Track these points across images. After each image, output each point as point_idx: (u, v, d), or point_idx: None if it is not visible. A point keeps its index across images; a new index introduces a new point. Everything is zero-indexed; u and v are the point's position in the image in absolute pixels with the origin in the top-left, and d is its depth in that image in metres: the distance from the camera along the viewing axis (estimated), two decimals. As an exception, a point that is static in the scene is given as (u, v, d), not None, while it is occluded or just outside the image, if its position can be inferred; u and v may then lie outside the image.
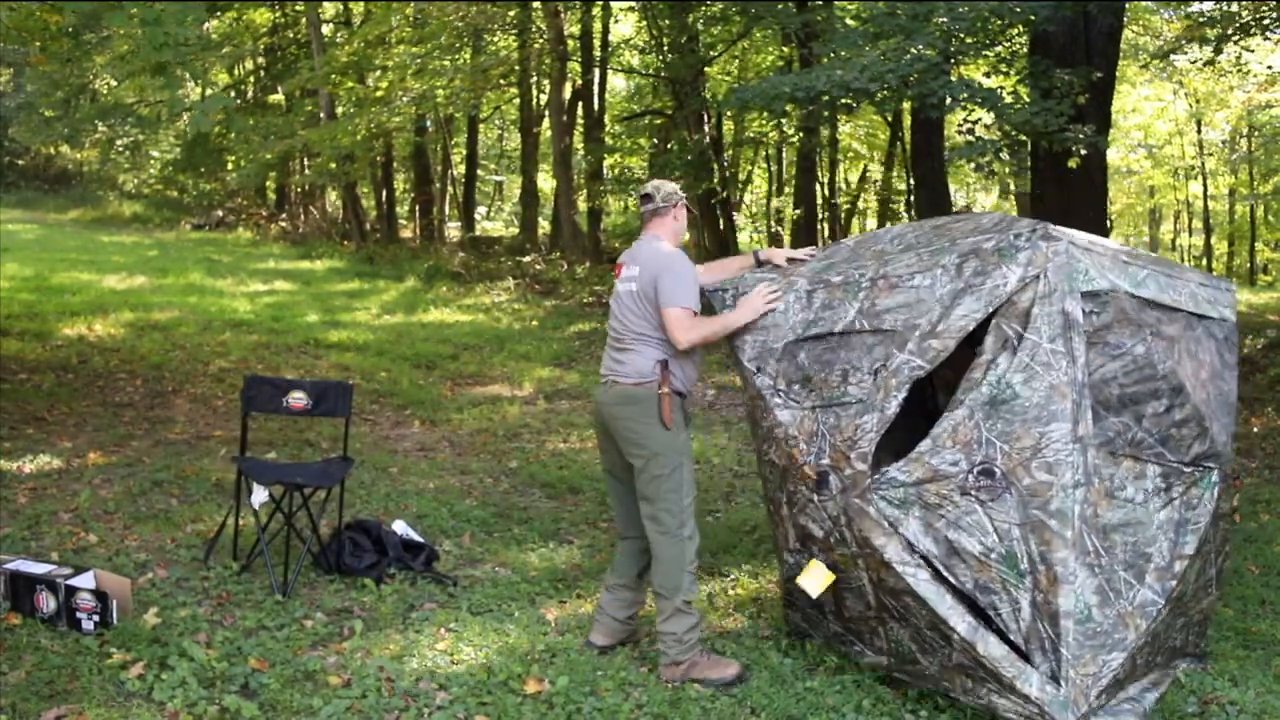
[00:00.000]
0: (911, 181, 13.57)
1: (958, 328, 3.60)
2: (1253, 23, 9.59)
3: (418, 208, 21.63)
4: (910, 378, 3.65)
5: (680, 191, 4.29)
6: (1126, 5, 11.40)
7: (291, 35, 21.94)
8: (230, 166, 23.26)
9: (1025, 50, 9.57)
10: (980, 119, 8.98)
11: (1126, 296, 3.64)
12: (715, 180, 14.90)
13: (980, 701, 3.58)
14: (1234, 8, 10.04)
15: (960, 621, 3.54)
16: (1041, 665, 3.46)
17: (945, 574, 3.59)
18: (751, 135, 18.56)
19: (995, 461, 3.52)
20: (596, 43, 18.42)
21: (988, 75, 9.31)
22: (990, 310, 3.57)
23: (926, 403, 4.69)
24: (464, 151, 22.60)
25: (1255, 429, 8.14)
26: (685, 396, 4.10)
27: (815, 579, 3.86)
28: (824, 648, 4.19)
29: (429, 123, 19.48)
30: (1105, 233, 10.75)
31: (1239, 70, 14.26)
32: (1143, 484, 3.68)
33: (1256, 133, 21.68)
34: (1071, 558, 3.42)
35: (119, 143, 26.16)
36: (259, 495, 4.67)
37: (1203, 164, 23.26)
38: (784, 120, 13.75)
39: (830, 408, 3.81)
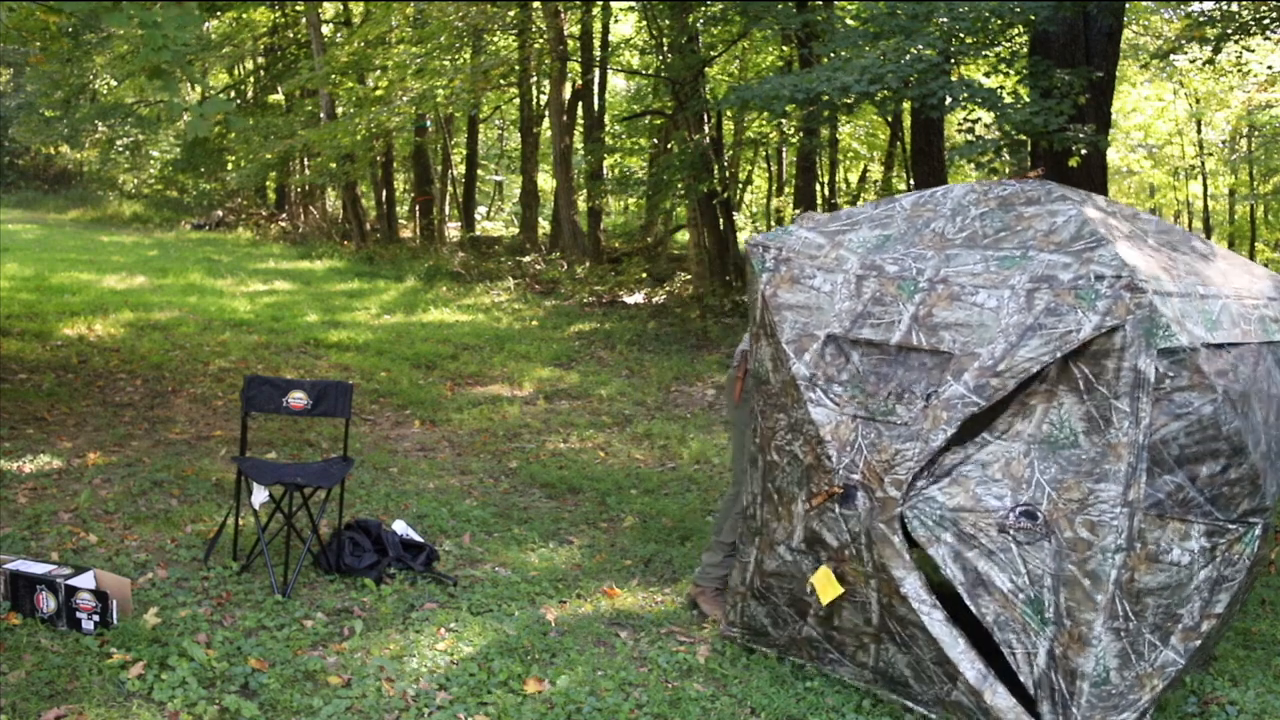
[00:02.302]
0: (912, 182, 13.58)
1: (1021, 369, 3.34)
2: (1253, 22, 9.58)
3: (418, 208, 21.62)
4: (964, 414, 3.44)
5: None
6: (1126, 5, 11.40)
7: (291, 35, 21.94)
8: (230, 166, 23.27)
9: (1025, 50, 9.57)
10: (980, 119, 8.99)
11: (1204, 350, 3.36)
12: (715, 180, 14.90)
13: None
14: (1234, 8, 10.03)
15: (970, 668, 3.46)
16: (1047, 715, 3.40)
17: (967, 602, 3.47)
18: (752, 136, 18.56)
19: (1040, 506, 3.38)
20: (596, 43, 18.42)
21: (988, 75, 9.31)
22: (1058, 356, 3.33)
23: None
24: (464, 151, 22.60)
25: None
26: None
27: (827, 586, 3.76)
28: (784, 651, 4.11)
29: (429, 123, 19.48)
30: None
31: (1239, 70, 14.25)
32: (1188, 545, 3.49)
33: (1256, 133, 21.69)
34: (1099, 621, 3.32)
35: (119, 143, 26.18)
36: (259, 495, 4.67)
37: (1203, 164, 23.27)
38: (784, 121, 13.75)
39: (873, 421, 3.61)
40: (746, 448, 4.54)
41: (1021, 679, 3.44)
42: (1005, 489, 3.42)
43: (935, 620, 3.52)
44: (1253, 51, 13.12)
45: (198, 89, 23.29)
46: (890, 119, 15.29)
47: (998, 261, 3.54)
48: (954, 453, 3.57)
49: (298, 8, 20.80)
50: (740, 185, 21.43)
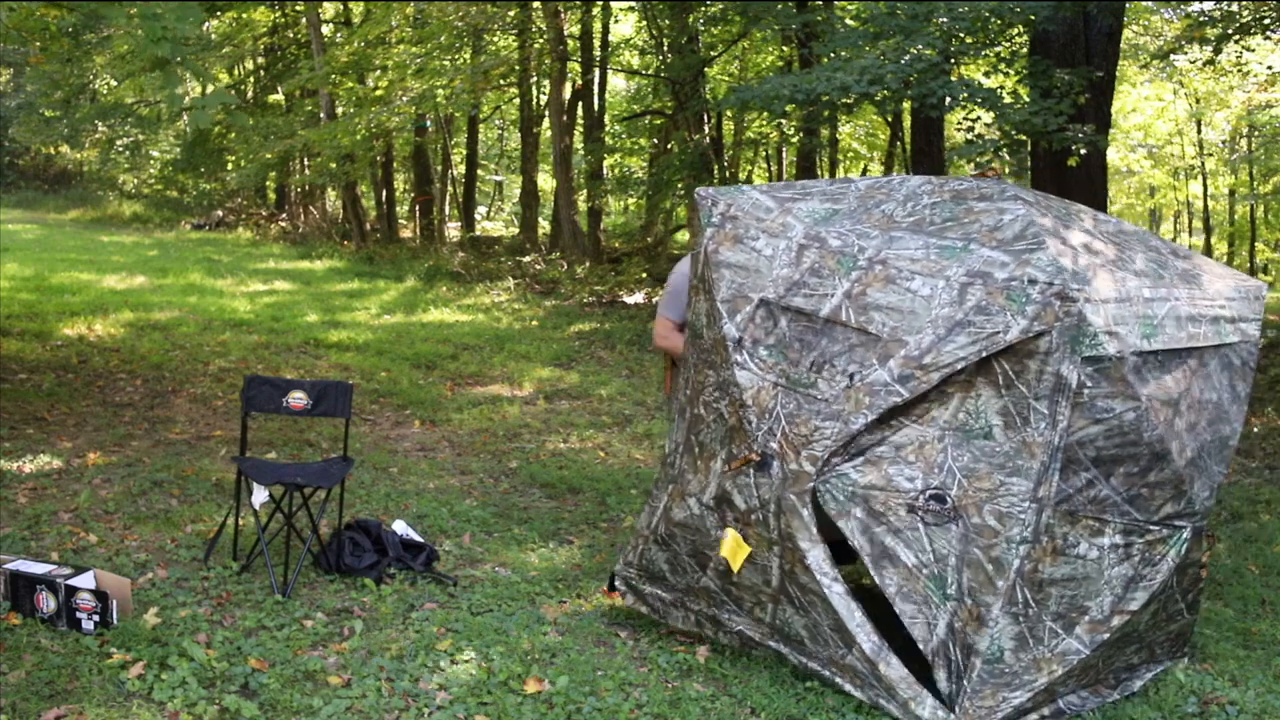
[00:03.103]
0: (911, 181, 13.57)
1: (945, 364, 3.42)
2: (1253, 22, 9.59)
3: (418, 208, 21.62)
4: (887, 403, 3.50)
5: None
6: (1126, 5, 11.40)
7: (291, 35, 21.94)
8: (230, 166, 23.28)
9: (1025, 50, 9.57)
10: (980, 118, 8.99)
11: (1132, 358, 3.44)
12: (715, 180, 14.90)
13: (865, 698, 3.64)
14: (1234, 8, 10.04)
15: (866, 640, 3.59)
16: (943, 684, 3.50)
17: (872, 573, 3.57)
18: (752, 136, 18.56)
19: (949, 490, 3.47)
20: (596, 43, 18.42)
21: (987, 75, 9.31)
22: (984, 355, 3.40)
23: None
24: (464, 151, 22.60)
25: (1255, 429, 8.14)
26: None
27: (735, 552, 3.80)
28: (678, 596, 4.14)
29: (429, 123, 19.48)
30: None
31: (1239, 70, 14.26)
32: (1099, 541, 3.57)
33: (1256, 133, 21.69)
34: (998, 605, 3.43)
35: (119, 143, 26.19)
36: (259, 495, 4.67)
37: (1203, 164, 23.27)
38: (784, 121, 13.77)
39: (793, 392, 3.64)
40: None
41: (920, 646, 3.55)
42: (917, 471, 3.51)
43: (835, 593, 3.61)
44: (1253, 51, 13.12)
45: (197, 86, 23.27)
46: (890, 119, 15.31)
47: (938, 250, 3.56)
48: (869, 434, 3.60)
49: (298, 8, 20.81)
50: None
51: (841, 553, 3.93)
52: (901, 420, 3.59)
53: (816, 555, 3.62)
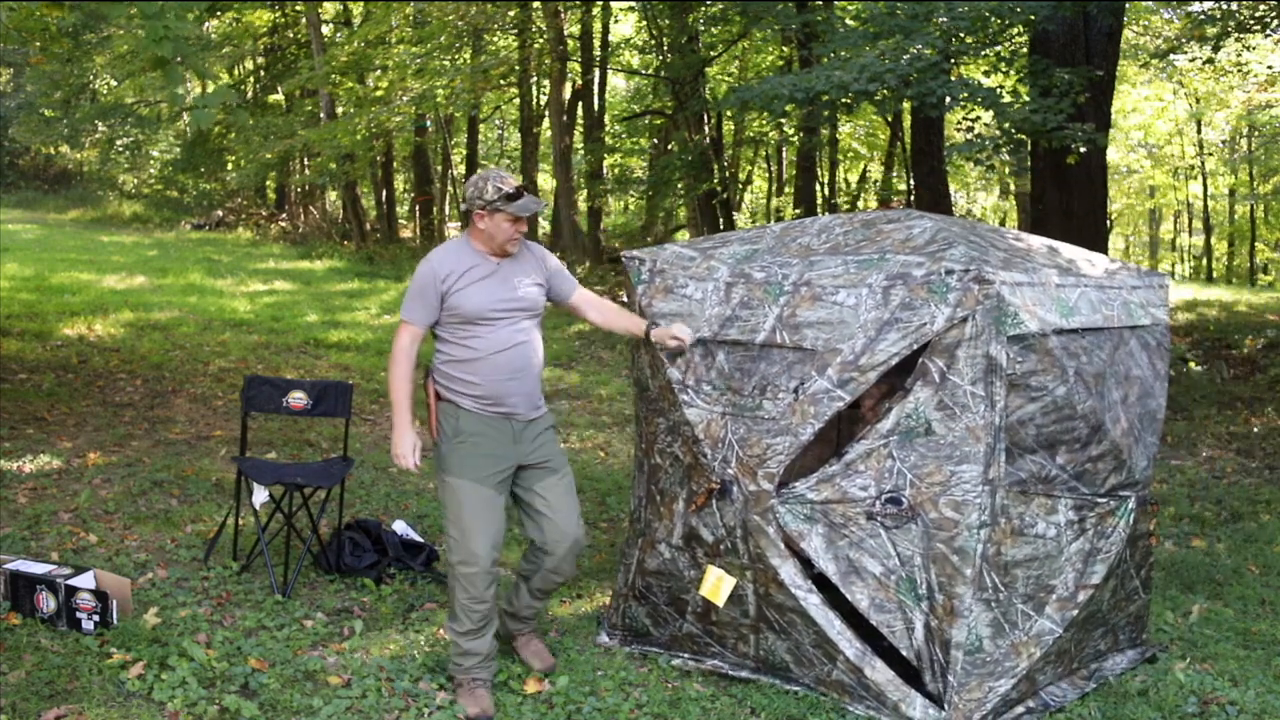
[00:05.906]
0: (911, 181, 13.59)
1: (880, 362, 3.54)
2: (1252, 20, 9.60)
3: (418, 208, 21.63)
4: (830, 409, 3.61)
5: (483, 196, 3.79)
6: (1126, 5, 11.40)
7: (291, 35, 21.94)
8: (230, 166, 23.28)
9: (1025, 50, 9.57)
10: (979, 118, 8.99)
11: (1054, 335, 3.60)
12: (715, 180, 14.90)
13: (858, 712, 3.69)
14: (1233, 6, 10.04)
15: (849, 646, 3.65)
16: (930, 685, 3.56)
17: (842, 591, 3.63)
18: (751, 135, 18.56)
19: (903, 491, 3.55)
20: (596, 43, 18.42)
21: (987, 74, 9.31)
22: (915, 348, 3.52)
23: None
24: (464, 151, 22.60)
25: (1255, 429, 8.14)
26: (459, 406, 3.89)
27: (719, 588, 3.84)
28: (663, 651, 4.13)
29: (429, 123, 19.48)
30: (1104, 232, 10.76)
31: (1239, 70, 14.26)
32: (1054, 519, 3.71)
33: (1256, 133, 21.70)
34: (969, 593, 3.50)
35: (119, 143, 26.17)
36: (259, 495, 4.67)
37: (1203, 164, 23.27)
38: (784, 120, 13.78)
39: (741, 417, 3.77)
40: (459, 505, 3.68)
41: (904, 652, 3.60)
42: (869, 479, 3.60)
43: (812, 604, 3.67)
44: (1252, 51, 13.13)
45: (198, 86, 23.28)
46: (890, 119, 15.31)
47: (857, 264, 3.72)
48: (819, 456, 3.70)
49: (298, 8, 20.80)
50: (740, 185, 21.43)
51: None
52: (848, 442, 3.70)
53: (789, 570, 3.69)
